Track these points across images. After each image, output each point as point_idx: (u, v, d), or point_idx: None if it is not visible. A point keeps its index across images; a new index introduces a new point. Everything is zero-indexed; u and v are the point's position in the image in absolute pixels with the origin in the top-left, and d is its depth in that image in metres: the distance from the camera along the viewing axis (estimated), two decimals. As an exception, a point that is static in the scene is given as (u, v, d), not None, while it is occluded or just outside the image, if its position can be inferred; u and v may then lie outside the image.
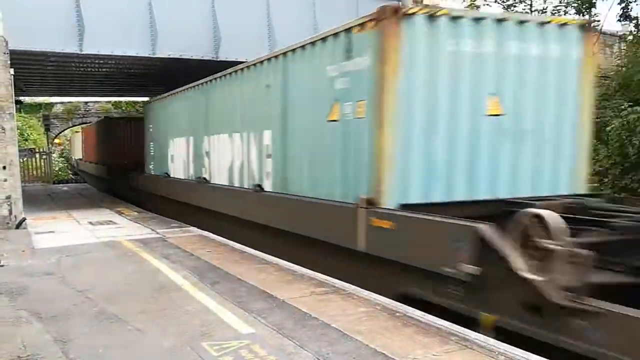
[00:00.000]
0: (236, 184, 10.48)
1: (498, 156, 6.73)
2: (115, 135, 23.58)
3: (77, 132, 39.82)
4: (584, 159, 7.26)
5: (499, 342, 4.49)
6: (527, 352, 4.22)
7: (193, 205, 12.77)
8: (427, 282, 5.65)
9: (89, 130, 31.91)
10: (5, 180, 11.80)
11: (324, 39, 7.48)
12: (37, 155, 32.12)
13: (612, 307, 4.12)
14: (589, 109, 7.20)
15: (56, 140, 40.72)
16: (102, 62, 16.47)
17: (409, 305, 5.61)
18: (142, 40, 14.27)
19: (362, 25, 6.58)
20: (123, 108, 36.71)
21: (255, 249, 8.95)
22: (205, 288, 6.51)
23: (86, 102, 37.80)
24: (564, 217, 4.71)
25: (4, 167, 11.76)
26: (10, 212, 11.86)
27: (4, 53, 11.68)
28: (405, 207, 6.19)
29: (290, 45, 8.44)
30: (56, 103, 37.83)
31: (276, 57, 8.85)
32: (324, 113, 7.42)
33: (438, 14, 6.37)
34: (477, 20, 6.61)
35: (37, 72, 18.07)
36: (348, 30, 6.86)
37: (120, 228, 12.12)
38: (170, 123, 15.08)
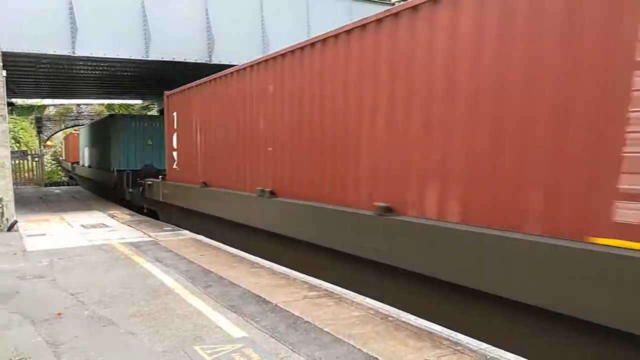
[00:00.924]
0: (92, 166, 26.14)
1: (151, 156, 20.27)
2: (75, 143, 36.29)
3: (64, 138, 44.69)
4: None
5: (491, 346, 4.53)
6: (519, 357, 4.25)
7: (88, 178, 28.28)
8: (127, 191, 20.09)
9: (67, 138, 43.85)
10: (-3, 182, 11.77)
11: (113, 115, 24.73)
12: (29, 158, 31.97)
13: (150, 181, 15.77)
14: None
15: (48, 143, 40.53)
16: (94, 64, 16.43)
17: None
18: (135, 43, 14.26)
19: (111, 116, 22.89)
20: (116, 110, 36.63)
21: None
22: (198, 292, 6.51)
23: (79, 105, 37.70)
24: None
25: (-4, 170, 11.73)
26: (2, 214, 11.81)
27: (-4, 55, 11.66)
28: (119, 170, 20.21)
29: (99, 119, 28.43)
30: (49, 105, 37.69)
31: (97, 121, 27.31)
32: (104, 144, 22.70)
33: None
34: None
35: (29, 74, 18.01)
36: (107, 117, 23.69)
37: (113, 231, 12.10)
38: (86, 139, 29.53)
